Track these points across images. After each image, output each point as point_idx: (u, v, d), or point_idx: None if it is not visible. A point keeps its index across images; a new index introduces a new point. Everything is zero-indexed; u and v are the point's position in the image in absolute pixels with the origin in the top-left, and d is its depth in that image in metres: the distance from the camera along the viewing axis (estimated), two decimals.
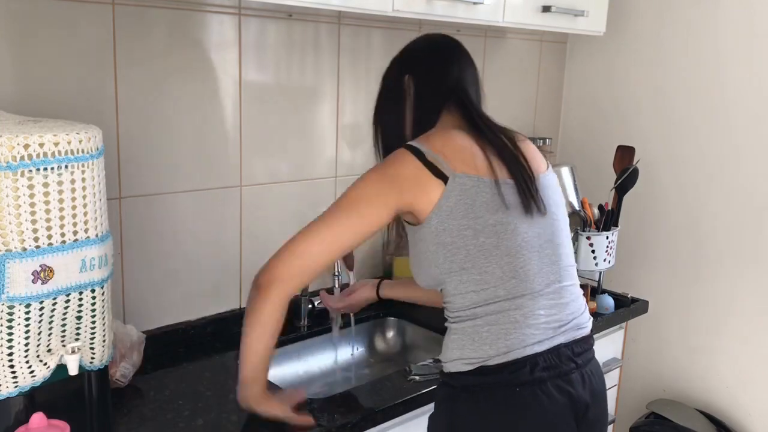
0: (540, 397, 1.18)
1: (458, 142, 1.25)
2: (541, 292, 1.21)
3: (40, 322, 0.99)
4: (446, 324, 1.26)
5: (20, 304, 0.96)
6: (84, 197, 0.99)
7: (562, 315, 1.24)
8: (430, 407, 1.45)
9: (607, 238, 1.91)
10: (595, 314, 1.89)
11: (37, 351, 1.00)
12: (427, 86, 1.34)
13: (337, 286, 1.67)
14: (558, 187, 1.35)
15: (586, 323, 1.29)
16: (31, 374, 1.01)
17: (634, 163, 1.98)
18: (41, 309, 0.98)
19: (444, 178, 1.18)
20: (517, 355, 1.18)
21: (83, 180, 0.99)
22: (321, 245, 1.20)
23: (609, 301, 1.95)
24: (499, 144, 1.27)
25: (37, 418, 0.99)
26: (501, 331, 1.18)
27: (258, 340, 1.25)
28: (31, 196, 0.94)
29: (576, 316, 1.26)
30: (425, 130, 1.29)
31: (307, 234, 1.20)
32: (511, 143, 1.29)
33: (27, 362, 1.00)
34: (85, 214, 1.00)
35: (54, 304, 0.99)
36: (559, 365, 1.21)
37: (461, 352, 1.20)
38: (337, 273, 1.67)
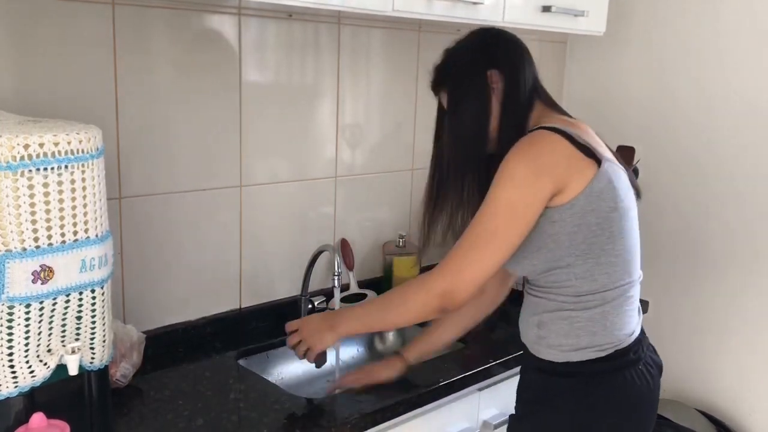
0: (652, 370, 1.29)
1: (585, 127, 1.27)
2: (638, 279, 1.30)
3: (40, 322, 0.99)
4: (550, 313, 1.24)
5: (20, 304, 0.96)
6: (84, 197, 0.99)
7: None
8: (430, 407, 1.45)
9: None
10: None
11: (37, 351, 1.00)
12: (517, 80, 1.28)
13: (336, 285, 1.67)
14: None
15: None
16: (31, 374, 1.01)
17: (634, 163, 1.98)
18: (41, 309, 0.98)
19: (597, 160, 1.18)
20: (636, 336, 1.28)
21: (83, 180, 0.99)
22: (501, 256, 1.17)
23: None
24: (597, 133, 1.29)
25: (37, 418, 0.99)
26: (625, 314, 1.25)
27: (390, 326, 1.34)
28: (31, 196, 0.94)
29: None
30: (518, 126, 1.26)
31: (488, 248, 1.17)
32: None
33: (27, 362, 1.00)
34: (85, 214, 1.00)
35: (54, 304, 0.99)
36: (647, 340, 1.33)
37: (592, 339, 1.22)
38: (337, 273, 1.67)
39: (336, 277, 1.67)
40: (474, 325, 1.50)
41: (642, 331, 1.32)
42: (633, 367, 1.25)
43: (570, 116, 1.31)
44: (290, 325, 1.41)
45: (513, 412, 1.39)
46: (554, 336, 1.24)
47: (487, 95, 1.28)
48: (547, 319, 1.25)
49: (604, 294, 1.21)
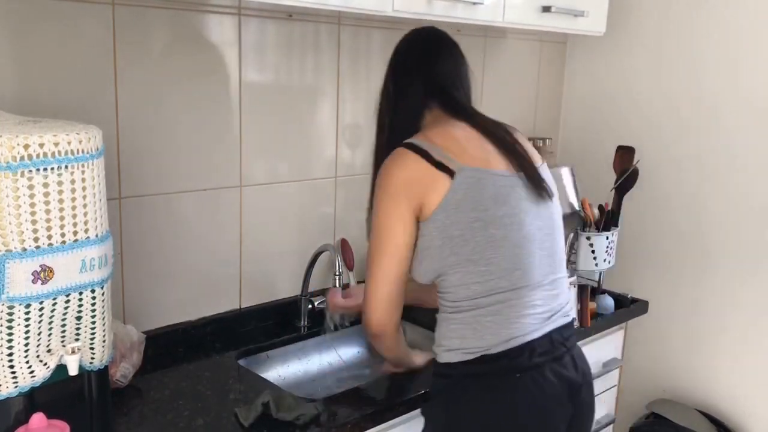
0: (538, 381, 1.22)
1: (459, 133, 1.27)
2: (540, 283, 1.25)
3: (40, 322, 0.99)
4: (440, 314, 1.27)
5: (20, 305, 0.96)
6: (84, 197, 0.99)
7: (554, 305, 1.28)
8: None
9: (607, 238, 1.91)
10: (595, 314, 1.89)
11: (37, 351, 1.00)
12: (403, 87, 1.36)
13: (337, 285, 1.67)
14: (552, 179, 1.37)
15: (570, 311, 1.34)
16: (31, 374, 1.01)
17: (634, 163, 1.98)
18: (41, 309, 0.98)
19: (450, 173, 1.20)
20: (516, 343, 1.21)
21: (83, 180, 0.99)
22: (389, 280, 1.25)
23: (609, 302, 1.95)
24: (499, 135, 1.29)
25: (37, 419, 0.99)
26: (503, 320, 1.21)
27: (395, 354, 1.41)
28: (31, 196, 0.94)
29: (563, 305, 1.31)
30: (408, 135, 1.29)
31: (373, 280, 1.26)
32: (509, 135, 1.31)
33: (27, 362, 1.00)
34: (85, 214, 1.00)
35: (54, 304, 0.99)
36: (553, 350, 1.25)
37: (462, 342, 1.22)
38: (337, 273, 1.67)
39: (337, 277, 1.67)
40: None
41: (546, 338, 1.25)
42: (508, 375, 1.21)
43: (465, 117, 1.31)
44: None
45: None
46: (438, 337, 1.28)
47: (387, 102, 1.38)
48: (438, 320, 1.29)
49: (477, 300, 1.21)
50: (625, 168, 1.98)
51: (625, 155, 2.03)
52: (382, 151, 1.32)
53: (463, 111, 1.33)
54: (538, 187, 1.26)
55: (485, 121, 1.32)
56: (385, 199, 1.24)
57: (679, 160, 2.16)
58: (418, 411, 1.42)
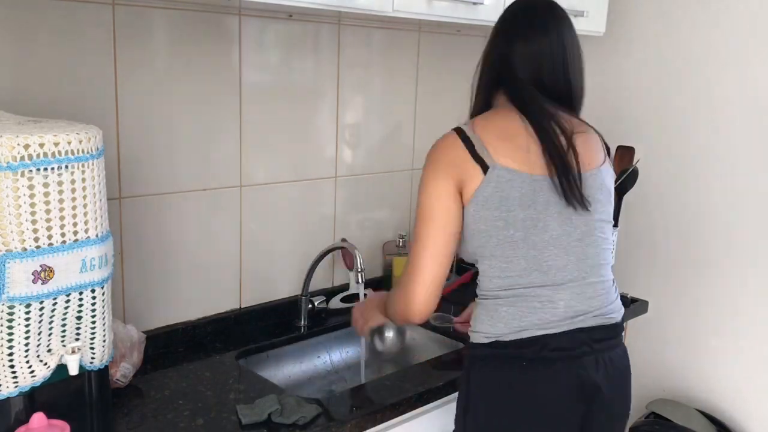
0: (545, 373, 1.24)
1: (506, 128, 1.26)
2: (563, 285, 1.25)
3: (40, 322, 0.99)
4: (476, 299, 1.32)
5: (20, 304, 0.96)
6: (84, 197, 1.00)
7: (583, 306, 1.27)
8: (430, 406, 1.45)
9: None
10: None
11: (37, 351, 1.00)
12: (487, 57, 1.34)
13: (360, 281, 1.66)
14: (606, 184, 1.32)
15: (612, 313, 1.31)
16: (32, 374, 1.01)
17: (634, 163, 1.98)
18: (41, 309, 0.98)
19: (485, 168, 1.21)
20: (527, 335, 1.24)
21: (83, 180, 0.99)
22: (434, 262, 1.24)
23: None
24: (549, 135, 1.25)
25: (37, 418, 0.99)
26: (517, 313, 1.24)
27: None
28: (32, 196, 0.94)
29: (599, 307, 1.29)
30: (479, 112, 1.32)
31: (419, 260, 1.25)
32: (565, 135, 1.26)
33: (27, 362, 1.00)
34: (85, 214, 1.00)
35: (54, 304, 0.99)
36: (571, 348, 1.25)
37: (481, 326, 1.27)
38: (360, 269, 1.66)
39: (360, 273, 1.66)
40: None
41: (568, 338, 1.24)
42: (516, 361, 1.24)
43: (533, 111, 1.26)
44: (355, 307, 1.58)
45: None
46: (472, 318, 1.32)
47: (485, 57, 1.35)
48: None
49: (497, 292, 1.25)
50: (625, 168, 1.98)
51: (625, 155, 2.03)
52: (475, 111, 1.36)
53: (526, 104, 1.28)
54: (571, 195, 1.24)
55: (546, 120, 1.26)
56: (429, 179, 1.25)
57: (679, 159, 2.16)
58: (417, 411, 1.42)
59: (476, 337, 1.28)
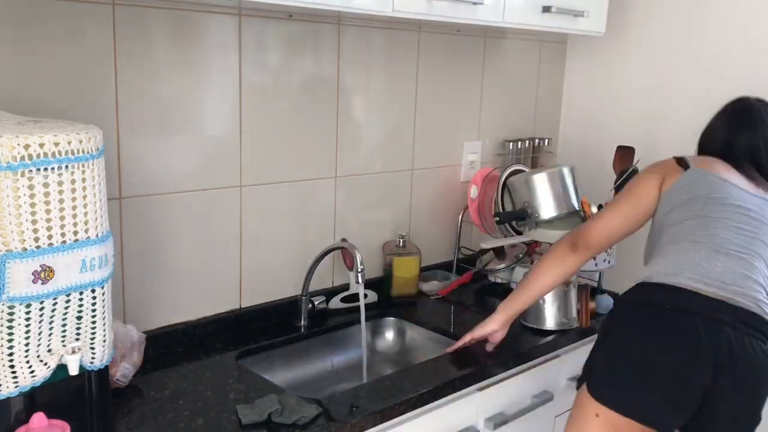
0: (686, 321, 1.34)
1: (720, 166, 1.51)
2: (726, 251, 1.39)
3: (40, 322, 0.99)
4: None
5: (20, 304, 0.96)
6: (84, 197, 0.99)
7: (740, 280, 1.36)
8: (430, 407, 1.45)
9: None
10: (595, 314, 1.89)
11: (37, 351, 1.00)
12: (707, 136, 1.64)
13: (360, 282, 1.65)
14: None
15: (762, 304, 1.36)
16: (32, 374, 1.01)
17: (634, 163, 1.98)
18: (41, 309, 0.98)
19: (686, 167, 1.50)
20: (678, 282, 1.38)
21: (83, 180, 0.99)
22: (617, 221, 1.55)
23: (609, 301, 1.95)
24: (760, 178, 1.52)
25: (37, 418, 0.99)
26: (678, 257, 1.41)
27: (544, 281, 1.59)
28: (32, 196, 0.94)
29: (754, 292, 1.36)
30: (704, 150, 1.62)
31: (608, 211, 1.57)
32: None
33: (27, 362, 1.00)
34: (86, 214, 1.00)
35: (54, 304, 0.99)
36: (713, 312, 1.34)
37: (647, 267, 1.50)
38: (359, 270, 1.66)
39: (360, 273, 1.66)
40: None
41: (707, 302, 1.34)
42: (658, 305, 1.38)
43: (744, 168, 1.52)
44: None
45: (513, 411, 1.53)
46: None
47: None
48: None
49: (660, 241, 1.50)
50: (625, 168, 1.98)
51: (625, 155, 2.03)
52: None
53: (739, 163, 1.53)
54: (756, 182, 1.49)
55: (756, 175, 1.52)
56: (644, 173, 1.58)
57: None
58: (417, 411, 1.42)
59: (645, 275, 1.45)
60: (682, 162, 1.53)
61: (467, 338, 1.61)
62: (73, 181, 0.98)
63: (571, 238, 1.57)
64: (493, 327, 1.60)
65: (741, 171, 1.50)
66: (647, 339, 1.36)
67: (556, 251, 1.59)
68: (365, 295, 1.72)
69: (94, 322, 1.05)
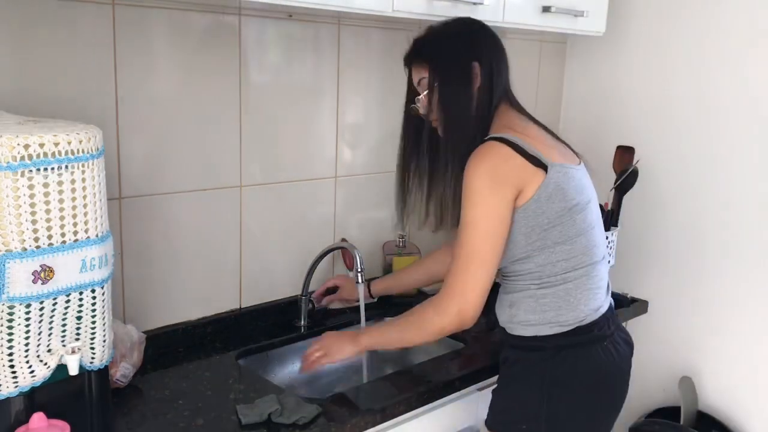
0: (618, 346, 1.38)
1: (537, 133, 1.37)
2: (602, 260, 1.39)
3: (40, 322, 0.99)
4: (517, 293, 1.36)
5: (20, 304, 0.96)
6: (84, 197, 0.99)
7: (607, 280, 1.43)
8: (430, 406, 1.45)
9: (607, 238, 1.92)
10: None
11: (37, 351, 1.00)
12: (491, 78, 1.39)
13: (360, 281, 1.65)
14: None
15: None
16: (32, 374, 1.01)
17: (634, 163, 1.98)
18: (41, 309, 0.98)
19: (544, 168, 1.29)
20: (600, 313, 1.36)
21: (83, 180, 0.99)
22: (490, 273, 1.30)
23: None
24: (555, 134, 1.42)
25: (37, 418, 0.99)
26: (590, 293, 1.35)
27: (409, 345, 1.44)
28: (32, 196, 0.94)
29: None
30: (485, 123, 1.37)
31: (475, 271, 1.29)
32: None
33: (27, 362, 1.00)
34: (85, 214, 1.00)
35: (54, 304, 0.99)
36: (616, 320, 1.44)
37: (557, 314, 1.33)
38: (359, 269, 1.66)
39: (360, 273, 1.66)
40: (442, 276, 1.51)
41: (610, 309, 1.42)
42: (598, 343, 1.35)
43: (529, 118, 1.40)
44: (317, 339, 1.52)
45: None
46: (523, 313, 1.35)
47: (470, 84, 1.37)
48: (516, 299, 1.37)
49: (564, 275, 1.33)
50: (625, 168, 1.98)
51: (625, 155, 2.03)
52: (456, 146, 1.36)
53: (523, 110, 1.43)
54: (591, 174, 1.42)
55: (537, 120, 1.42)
56: (489, 191, 1.27)
57: (679, 160, 2.16)
58: (417, 411, 1.42)
59: (549, 329, 1.33)
60: (525, 155, 1.28)
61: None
62: (73, 181, 0.98)
63: (447, 324, 1.34)
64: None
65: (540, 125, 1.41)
66: None
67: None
68: (372, 297, 1.72)
69: (94, 322, 1.05)
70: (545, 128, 1.42)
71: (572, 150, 1.44)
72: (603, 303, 1.39)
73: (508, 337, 1.42)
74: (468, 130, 1.36)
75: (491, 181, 1.27)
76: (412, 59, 1.44)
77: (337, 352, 1.45)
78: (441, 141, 1.40)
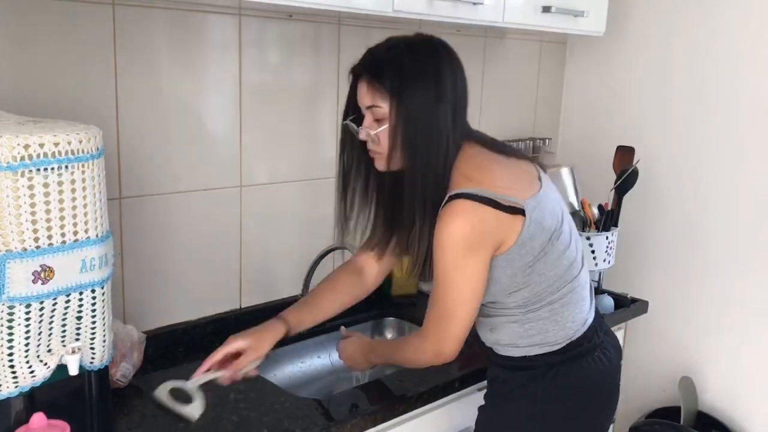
0: (608, 353, 1.35)
1: (501, 167, 1.25)
2: (582, 268, 1.35)
3: (40, 322, 0.99)
4: (502, 318, 1.30)
5: (20, 304, 0.96)
6: (84, 197, 0.99)
7: (589, 282, 1.40)
8: (430, 407, 1.45)
9: (607, 238, 1.92)
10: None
11: (37, 351, 1.00)
12: (458, 119, 1.25)
13: None
14: None
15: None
16: (32, 374, 1.01)
17: (634, 163, 1.98)
18: (41, 309, 0.98)
19: (522, 212, 1.20)
20: (587, 326, 1.33)
21: (83, 180, 0.99)
22: (469, 324, 1.26)
23: (609, 302, 1.95)
24: (514, 152, 1.33)
25: (37, 418, 0.99)
26: (576, 306, 1.30)
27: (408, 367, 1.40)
28: (32, 196, 0.94)
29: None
30: (450, 166, 1.23)
31: (457, 321, 1.24)
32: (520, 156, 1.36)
33: (27, 362, 1.00)
34: (85, 214, 1.00)
35: (54, 304, 0.99)
36: (604, 325, 1.40)
37: (545, 336, 1.29)
38: None
39: None
40: (354, 303, 1.51)
41: (597, 317, 1.38)
42: (589, 355, 1.32)
43: (487, 146, 1.28)
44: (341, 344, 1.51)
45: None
46: (508, 338, 1.31)
47: (439, 125, 1.22)
48: (498, 324, 1.32)
49: (550, 298, 1.27)
50: (625, 168, 1.98)
51: (625, 155, 2.03)
52: (425, 198, 1.23)
53: (488, 140, 1.31)
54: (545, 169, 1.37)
55: (500, 144, 1.33)
56: (465, 256, 1.19)
57: (679, 159, 2.17)
58: (418, 411, 1.42)
59: (539, 349, 1.29)
60: (498, 206, 1.18)
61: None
62: (73, 181, 0.98)
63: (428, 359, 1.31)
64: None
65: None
66: None
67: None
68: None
69: (94, 322, 1.05)
70: (502, 148, 1.30)
71: (527, 158, 1.33)
72: (589, 314, 1.34)
73: (495, 357, 1.36)
74: (438, 178, 1.22)
75: (469, 247, 1.18)
76: (367, 79, 1.25)
77: (355, 364, 1.49)
78: (406, 189, 1.24)
